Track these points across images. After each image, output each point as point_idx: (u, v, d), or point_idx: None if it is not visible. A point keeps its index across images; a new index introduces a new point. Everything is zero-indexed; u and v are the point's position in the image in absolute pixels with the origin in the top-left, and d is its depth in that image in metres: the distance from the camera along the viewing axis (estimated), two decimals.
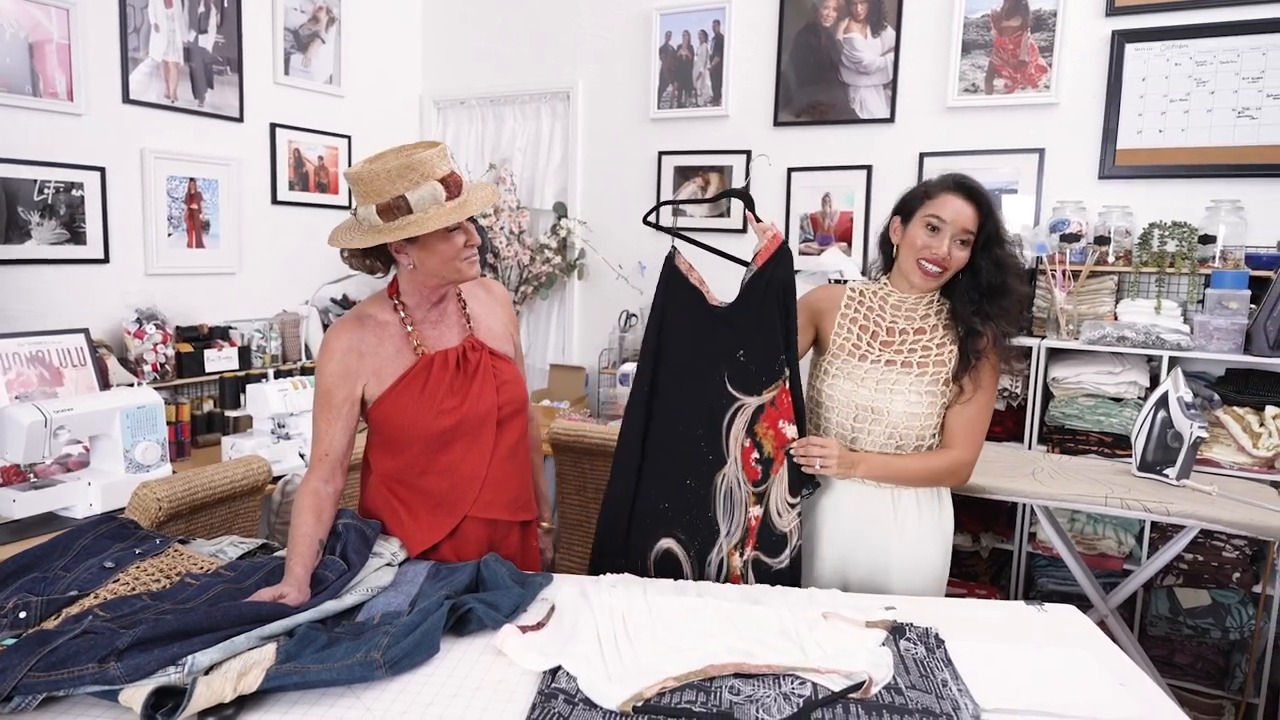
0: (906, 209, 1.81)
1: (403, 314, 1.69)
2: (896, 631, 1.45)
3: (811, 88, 3.47)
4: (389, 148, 1.62)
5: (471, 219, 1.64)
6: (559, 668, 1.27)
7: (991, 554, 3.04)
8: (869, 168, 3.40)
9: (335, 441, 1.64)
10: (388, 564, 1.60)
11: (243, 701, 1.14)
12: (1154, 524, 2.75)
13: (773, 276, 1.75)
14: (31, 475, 2.31)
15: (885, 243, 1.89)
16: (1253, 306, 2.65)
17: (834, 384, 1.81)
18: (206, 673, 1.16)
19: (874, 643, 1.38)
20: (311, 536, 1.54)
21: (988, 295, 1.74)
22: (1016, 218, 3.15)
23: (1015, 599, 1.68)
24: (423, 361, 1.66)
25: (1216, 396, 2.73)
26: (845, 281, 2.05)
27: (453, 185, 1.58)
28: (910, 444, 1.79)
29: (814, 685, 1.24)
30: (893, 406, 1.76)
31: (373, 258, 1.67)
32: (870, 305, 1.85)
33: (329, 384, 1.63)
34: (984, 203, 1.74)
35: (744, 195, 1.93)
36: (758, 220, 1.82)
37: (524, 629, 1.40)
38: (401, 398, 1.65)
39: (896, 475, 1.78)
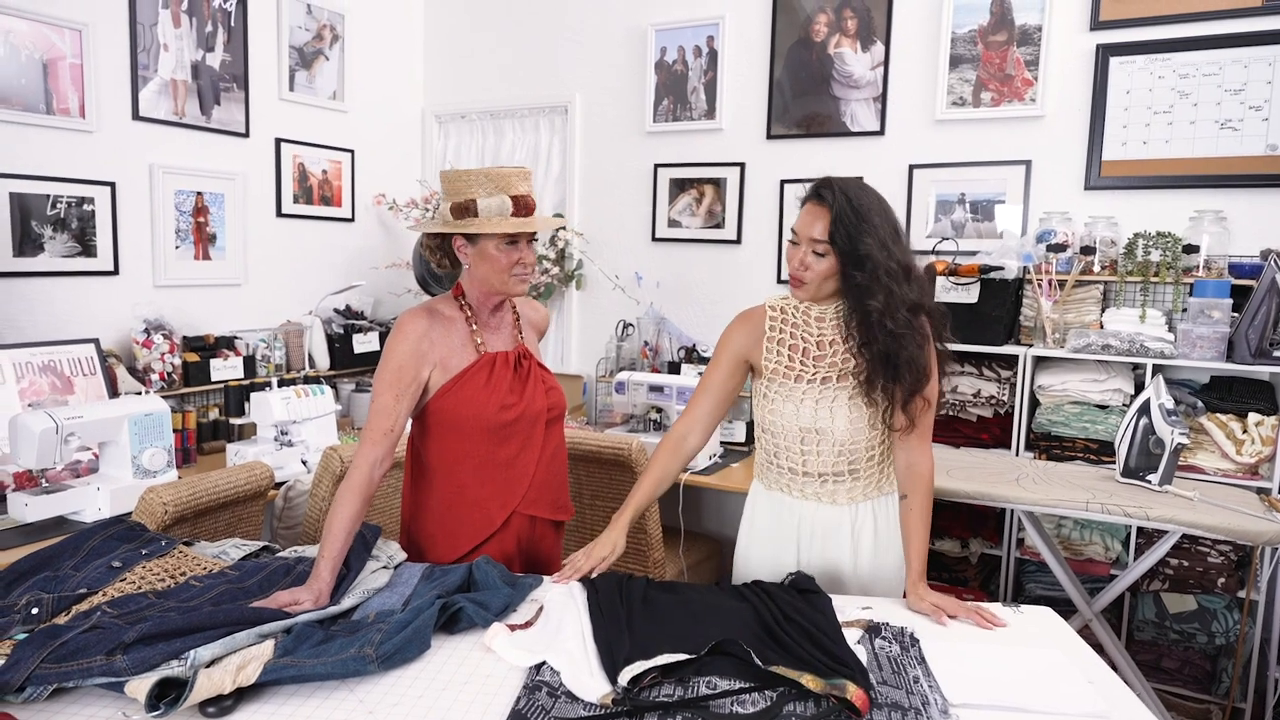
0: None
1: (468, 313, 1.82)
2: (872, 630, 1.50)
3: (804, 101, 3.54)
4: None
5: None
6: (544, 663, 1.33)
7: (980, 559, 3.08)
8: (859, 179, 3.45)
9: (400, 419, 1.73)
10: (384, 566, 1.67)
11: (241, 693, 1.20)
12: (1140, 530, 2.79)
13: None
14: (43, 480, 2.37)
15: None
16: (1235, 315, 2.70)
17: (775, 408, 1.77)
18: (208, 666, 1.22)
19: (850, 641, 1.43)
20: (350, 532, 1.61)
21: (862, 326, 1.66)
22: (1005, 228, 3.21)
23: (1004, 604, 1.72)
24: (486, 358, 1.79)
25: (1200, 404, 2.77)
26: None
27: (522, 206, 1.74)
28: (861, 458, 1.75)
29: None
30: (835, 425, 1.72)
31: (442, 253, 1.83)
32: (795, 321, 1.78)
33: (402, 361, 1.72)
34: (835, 205, 1.64)
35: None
36: None
37: (512, 627, 1.46)
38: (467, 387, 1.76)
39: (927, 535, 1.77)
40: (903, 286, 1.64)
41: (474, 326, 1.81)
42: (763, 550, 1.85)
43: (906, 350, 1.64)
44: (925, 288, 1.71)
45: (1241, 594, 2.68)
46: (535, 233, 1.80)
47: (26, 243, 2.86)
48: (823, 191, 1.68)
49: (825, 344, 1.75)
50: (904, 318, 1.64)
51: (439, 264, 1.85)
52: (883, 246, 1.63)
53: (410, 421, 1.83)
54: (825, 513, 1.78)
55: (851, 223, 1.62)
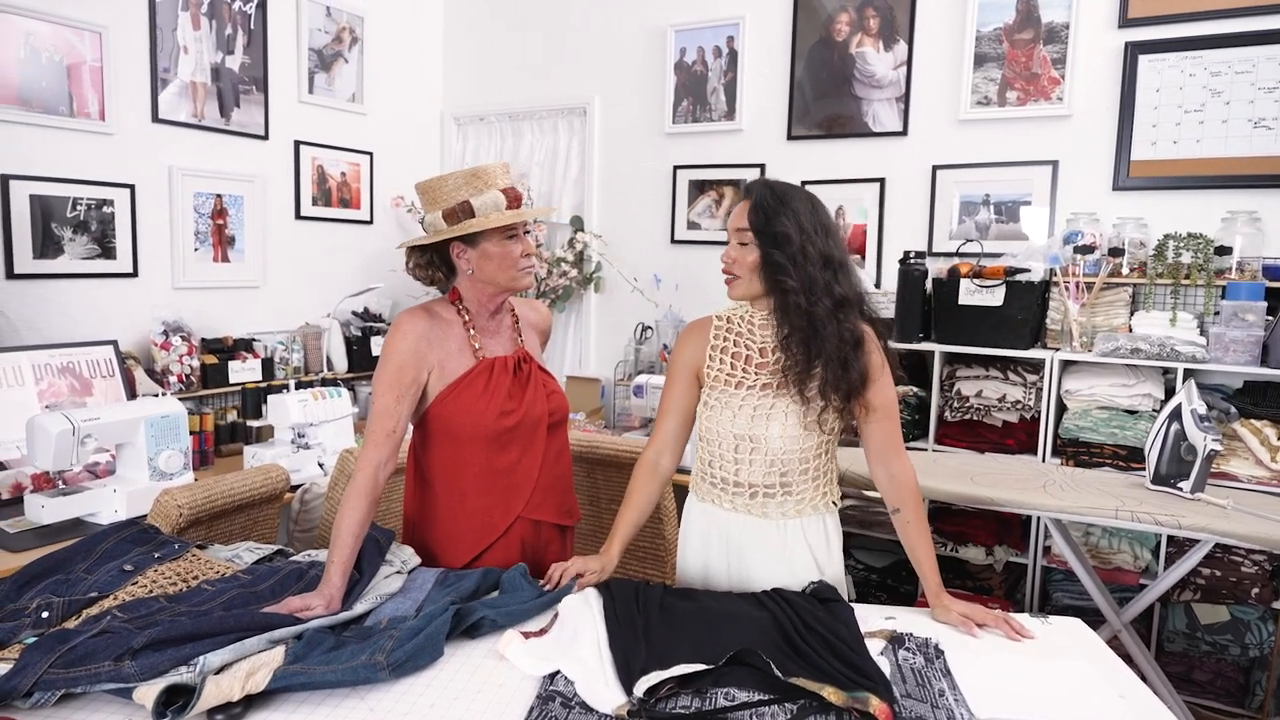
0: None
1: (465, 317, 1.80)
2: (895, 641, 1.47)
3: (825, 101, 3.50)
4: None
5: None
6: (558, 671, 1.30)
7: (1006, 567, 3.02)
8: (882, 180, 3.42)
9: (402, 420, 1.70)
10: (398, 571, 1.64)
11: (250, 700, 1.18)
12: (1171, 538, 2.72)
13: None
14: (60, 482, 2.38)
15: None
16: (1269, 318, 2.62)
17: (712, 415, 1.73)
18: (217, 673, 1.20)
19: (873, 652, 1.39)
20: (358, 536, 1.58)
21: (781, 310, 1.65)
22: (1031, 230, 3.16)
23: (1031, 614, 1.67)
24: (484, 363, 1.77)
25: (1234, 409, 2.70)
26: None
27: (512, 197, 1.73)
28: (794, 470, 1.69)
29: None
30: (769, 433, 1.67)
31: (434, 267, 1.81)
32: (739, 330, 1.76)
33: (402, 361, 1.70)
34: (756, 194, 1.66)
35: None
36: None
37: (527, 635, 1.43)
38: (465, 394, 1.73)
39: (931, 545, 1.73)
40: (824, 272, 1.62)
41: (471, 331, 1.79)
42: (696, 562, 1.80)
43: (829, 342, 1.60)
44: (858, 287, 1.68)
45: (1276, 605, 2.61)
46: (528, 223, 1.79)
47: (47, 244, 2.87)
48: (749, 187, 1.72)
49: (768, 350, 1.72)
50: (825, 306, 1.61)
51: (431, 280, 1.83)
52: (801, 230, 1.62)
53: (411, 428, 1.80)
54: (754, 527, 1.72)
55: (770, 206, 1.64)
